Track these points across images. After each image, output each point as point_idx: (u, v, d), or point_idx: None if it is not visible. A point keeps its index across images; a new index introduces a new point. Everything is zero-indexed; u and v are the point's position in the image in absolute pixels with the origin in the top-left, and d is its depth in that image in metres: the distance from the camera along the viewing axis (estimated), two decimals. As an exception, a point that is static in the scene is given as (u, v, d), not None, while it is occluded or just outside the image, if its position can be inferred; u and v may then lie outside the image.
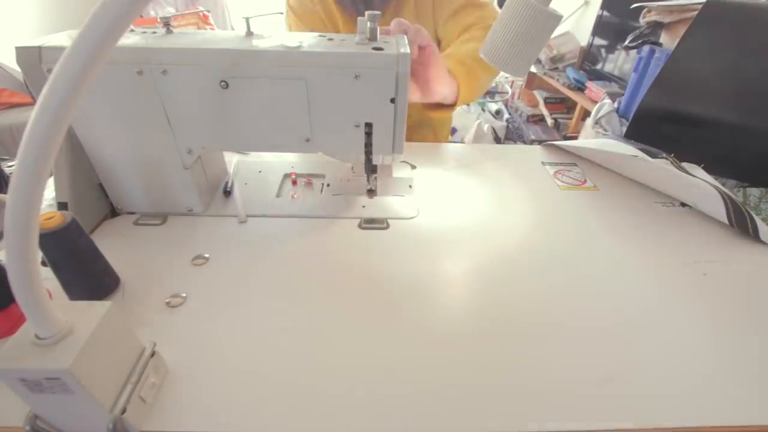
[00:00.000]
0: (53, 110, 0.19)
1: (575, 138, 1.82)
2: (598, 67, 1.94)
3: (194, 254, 0.46)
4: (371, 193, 0.58)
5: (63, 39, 0.42)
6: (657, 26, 1.24)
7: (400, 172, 0.64)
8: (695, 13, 1.03)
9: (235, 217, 0.53)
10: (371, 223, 0.52)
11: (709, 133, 0.71)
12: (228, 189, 0.58)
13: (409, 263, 0.46)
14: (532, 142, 2.07)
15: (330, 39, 0.45)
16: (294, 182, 0.60)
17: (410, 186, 0.60)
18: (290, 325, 0.38)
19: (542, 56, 2.13)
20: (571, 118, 2.06)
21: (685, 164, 0.58)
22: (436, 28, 0.76)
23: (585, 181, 0.64)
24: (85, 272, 0.38)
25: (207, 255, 0.46)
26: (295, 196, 0.58)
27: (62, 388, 0.24)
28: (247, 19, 0.45)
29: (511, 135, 2.40)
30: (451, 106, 0.66)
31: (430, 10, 0.74)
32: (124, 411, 0.27)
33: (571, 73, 1.99)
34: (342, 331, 0.38)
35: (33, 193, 0.20)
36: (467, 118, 2.44)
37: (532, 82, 2.32)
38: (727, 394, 0.33)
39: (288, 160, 0.66)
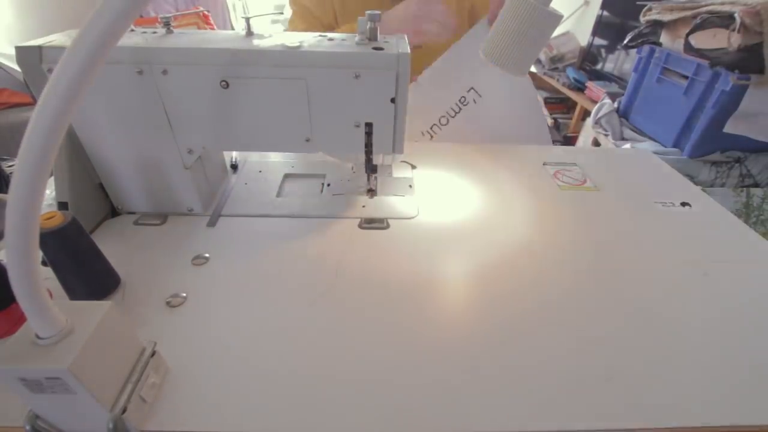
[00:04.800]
0: (53, 110, 0.19)
1: (575, 138, 1.82)
2: (598, 67, 1.94)
3: (194, 254, 0.46)
4: (371, 192, 0.58)
5: (63, 39, 0.42)
6: (657, 25, 1.24)
7: (400, 172, 0.64)
8: (696, 11, 1.03)
9: (235, 217, 0.53)
10: (371, 223, 0.52)
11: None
12: (234, 163, 0.59)
13: (409, 263, 0.46)
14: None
15: (330, 39, 0.45)
16: None
17: (410, 186, 0.60)
18: (290, 324, 0.38)
19: (542, 56, 2.12)
20: (571, 118, 2.06)
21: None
22: None
23: (585, 181, 0.64)
24: (85, 272, 0.38)
25: (207, 255, 0.46)
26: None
27: (62, 387, 0.24)
28: (247, 19, 0.45)
29: (511, 135, 2.39)
30: None
31: None
32: (124, 411, 0.27)
33: (571, 73, 1.99)
34: (342, 330, 0.38)
35: (33, 192, 0.20)
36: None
37: (532, 81, 2.32)
38: (727, 394, 0.33)
39: (288, 160, 0.66)
